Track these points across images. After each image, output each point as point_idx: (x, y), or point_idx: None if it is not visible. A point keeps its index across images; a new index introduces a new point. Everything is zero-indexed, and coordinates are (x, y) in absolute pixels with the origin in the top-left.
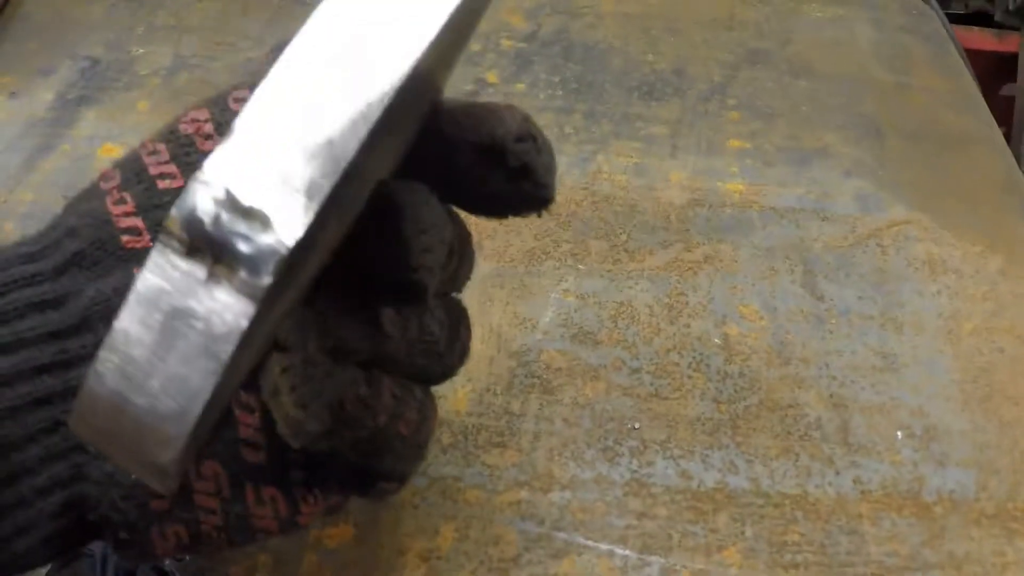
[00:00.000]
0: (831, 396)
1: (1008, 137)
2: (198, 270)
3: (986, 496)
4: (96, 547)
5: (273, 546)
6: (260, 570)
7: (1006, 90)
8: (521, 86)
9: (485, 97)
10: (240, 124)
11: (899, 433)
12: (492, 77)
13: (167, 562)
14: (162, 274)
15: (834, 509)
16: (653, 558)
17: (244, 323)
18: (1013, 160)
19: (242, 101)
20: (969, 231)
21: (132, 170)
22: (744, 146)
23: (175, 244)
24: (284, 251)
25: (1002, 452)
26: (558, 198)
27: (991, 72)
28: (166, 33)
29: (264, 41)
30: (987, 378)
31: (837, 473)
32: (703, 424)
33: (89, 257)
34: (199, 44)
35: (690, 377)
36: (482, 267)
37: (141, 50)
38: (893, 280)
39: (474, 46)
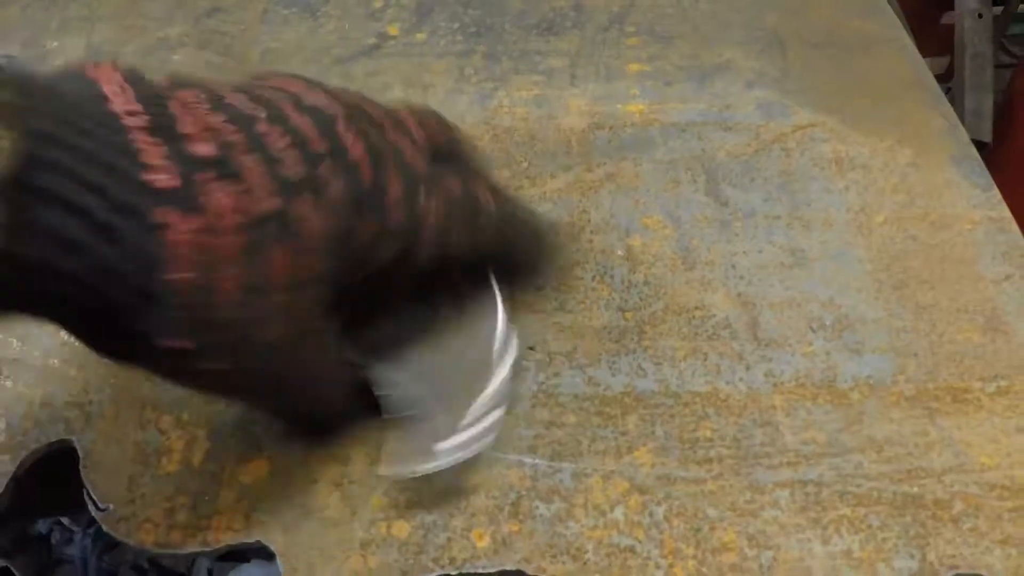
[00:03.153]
0: (739, 295)
1: (951, 66)
2: None
3: (904, 379)
4: (76, 551)
5: (190, 486)
6: (179, 511)
7: (946, 19)
8: (422, 35)
9: (387, 50)
10: None
11: (811, 325)
12: (393, 30)
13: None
14: None
15: (746, 403)
16: (564, 464)
17: None
18: (920, 58)
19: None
20: (877, 128)
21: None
22: (644, 69)
23: None
24: None
25: (919, 335)
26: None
27: (930, 2)
28: (79, 24)
29: (174, 20)
30: (901, 265)
31: (748, 368)
32: (609, 332)
33: None
34: (110, 31)
35: (594, 289)
36: None
37: (55, 43)
38: (799, 180)
39: (376, 2)
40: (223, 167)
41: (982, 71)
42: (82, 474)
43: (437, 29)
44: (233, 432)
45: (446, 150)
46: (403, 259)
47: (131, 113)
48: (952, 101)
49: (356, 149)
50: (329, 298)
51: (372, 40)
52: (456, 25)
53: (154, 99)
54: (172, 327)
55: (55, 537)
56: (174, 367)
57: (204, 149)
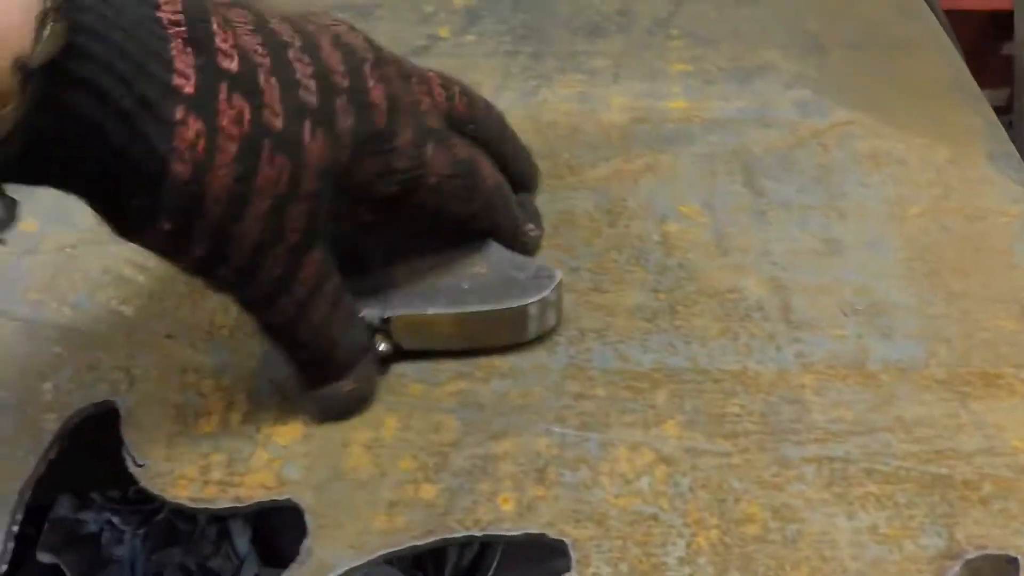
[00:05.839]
0: (771, 279)
1: (1011, 97)
2: None
3: (936, 363)
4: (125, 551)
5: (226, 445)
6: (214, 468)
7: (1006, 49)
8: (471, 38)
9: (436, 50)
10: None
11: (842, 310)
12: (444, 32)
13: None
14: None
15: (775, 382)
16: (591, 434)
17: None
18: (960, 61)
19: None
20: (915, 126)
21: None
22: (687, 69)
23: None
24: None
25: (951, 321)
26: None
27: (989, 32)
28: None
29: None
30: (934, 255)
31: (778, 349)
32: (641, 312)
33: None
34: None
35: (629, 271)
36: None
37: None
38: (836, 173)
39: (426, 7)
40: (244, 83)
41: None
42: (122, 432)
43: (486, 32)
44: (271, 396)
45: (464, 117)
46: (402, 203)
47: (174, 23)
48: (1012, 131)
49: (376, 91)
50: (324, 226)
51: (422, 42)
52: (504, 28)
53: (199, 12)
54: (164, 211)
55: (105, 537)
56: (165, 247)
57: (230, 64)
